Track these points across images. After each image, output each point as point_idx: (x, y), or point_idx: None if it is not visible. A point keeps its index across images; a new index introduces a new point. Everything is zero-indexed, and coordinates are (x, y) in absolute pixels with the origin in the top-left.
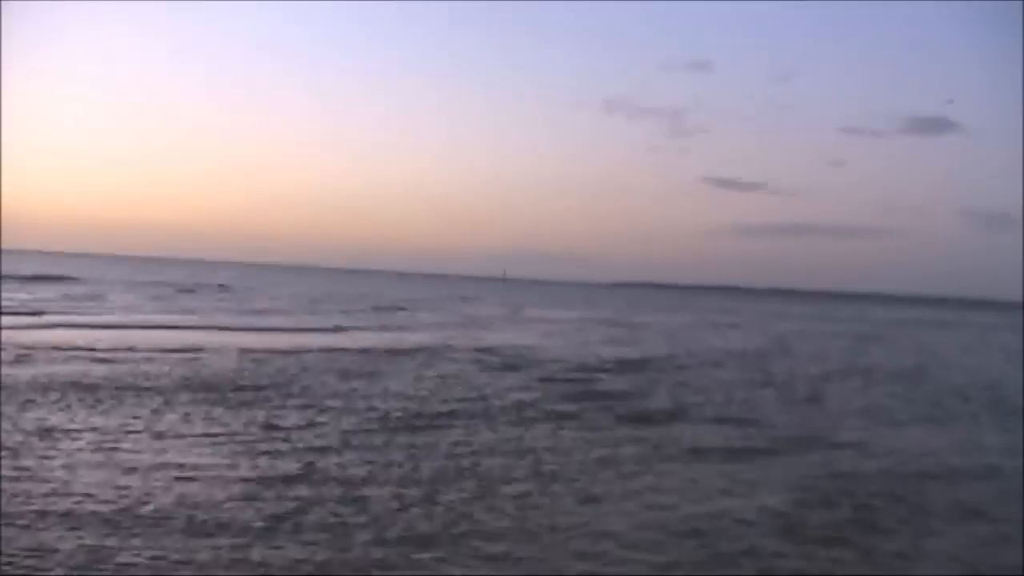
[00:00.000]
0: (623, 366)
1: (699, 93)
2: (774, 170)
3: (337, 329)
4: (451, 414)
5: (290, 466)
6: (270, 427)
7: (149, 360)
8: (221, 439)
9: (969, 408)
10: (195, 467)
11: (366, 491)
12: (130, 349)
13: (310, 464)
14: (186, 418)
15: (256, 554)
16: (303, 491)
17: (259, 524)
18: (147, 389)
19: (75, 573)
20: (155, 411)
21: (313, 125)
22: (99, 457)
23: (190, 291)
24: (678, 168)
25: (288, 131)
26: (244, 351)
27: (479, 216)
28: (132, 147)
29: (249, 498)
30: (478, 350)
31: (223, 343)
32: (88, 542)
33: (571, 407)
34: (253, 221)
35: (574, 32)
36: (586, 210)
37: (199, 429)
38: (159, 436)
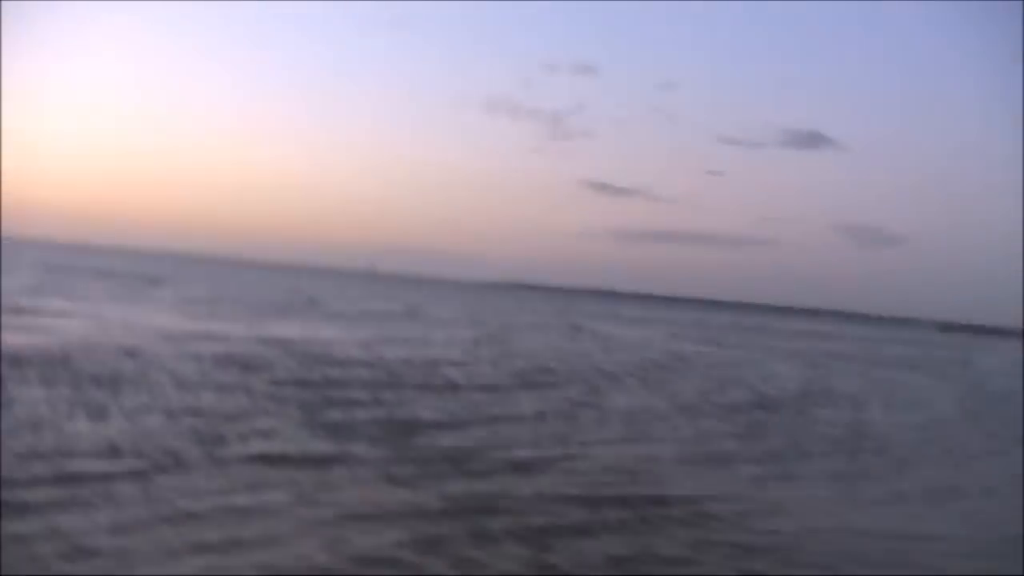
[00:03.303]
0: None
1: (582, 97)
2: (653, 177)
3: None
4: None
5: None
6: None
7: None
8: None
9: None
10: None
11: None
12: None
13: None
14: None
15: None
16: None
17: None
18: None
19: None
20: None
21: (198, 118)
22: None
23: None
24: (558, 170)
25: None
26: None
27: (352, 210)
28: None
29: None
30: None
31: None
32: None
33: None
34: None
35: (457, 29)
36: (463, 208)
37: None
38: None
